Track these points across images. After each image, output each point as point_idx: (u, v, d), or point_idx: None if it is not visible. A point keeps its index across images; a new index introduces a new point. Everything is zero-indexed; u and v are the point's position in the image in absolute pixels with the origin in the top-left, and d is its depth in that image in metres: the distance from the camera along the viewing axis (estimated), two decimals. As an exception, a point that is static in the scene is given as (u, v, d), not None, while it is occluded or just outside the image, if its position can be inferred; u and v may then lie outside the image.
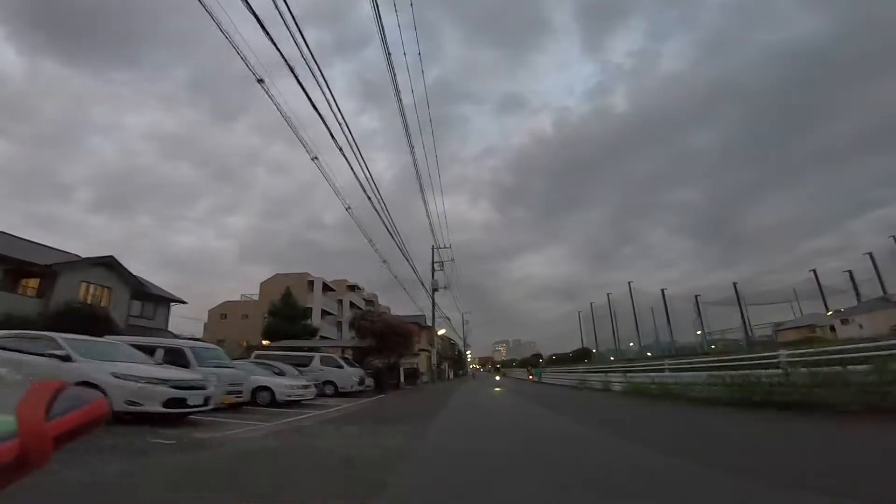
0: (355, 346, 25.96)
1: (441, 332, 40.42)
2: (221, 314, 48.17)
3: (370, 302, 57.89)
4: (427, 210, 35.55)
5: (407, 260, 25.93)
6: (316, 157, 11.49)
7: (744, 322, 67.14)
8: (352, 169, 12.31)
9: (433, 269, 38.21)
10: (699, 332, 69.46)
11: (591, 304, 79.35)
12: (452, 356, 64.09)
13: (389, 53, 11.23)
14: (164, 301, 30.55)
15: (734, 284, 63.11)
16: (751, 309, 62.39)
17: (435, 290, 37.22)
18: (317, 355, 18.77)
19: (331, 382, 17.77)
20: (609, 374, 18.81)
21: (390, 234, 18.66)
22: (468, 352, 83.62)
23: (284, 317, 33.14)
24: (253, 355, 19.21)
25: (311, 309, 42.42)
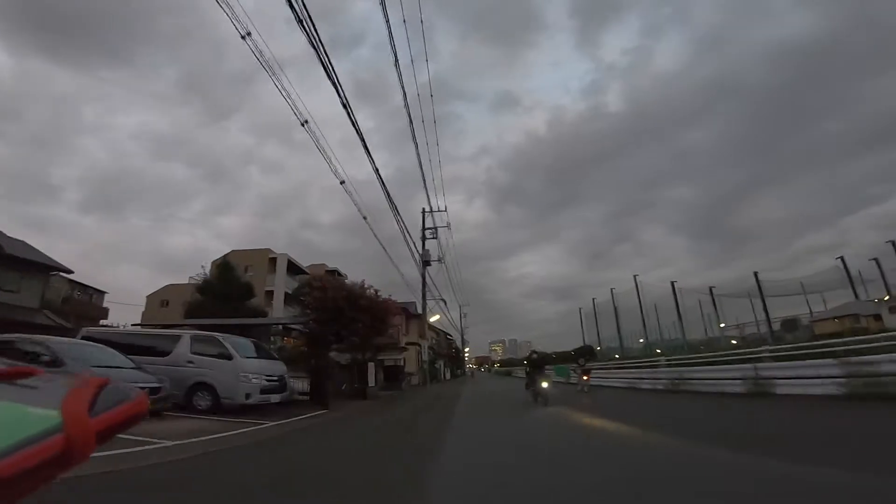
0: (301, 322, 17.06)
1: (434, 318, 31.41)
2: (162, 300, 39.03)
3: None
4: (418, 156, 26.71)
5: (396, 215, 17.10)
6: (306, 122, 9.58)
7: (766, 314, 59.04)
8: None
9: (423, 238, 29.36)
10: (721, 325, 61.84)
11: (593, 299, 74.60)
12: (448, 353, 55.08)
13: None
14: (35, 269, 21.41)
15: (755, 274, 54.62)
16: (755, 303, 55.08)
17: (426, 262, 28.32)
18: (185, 335, 9.80)
19: (205, 388, 8.81)
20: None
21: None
22: (466, 349, 74.44)
23: (218, 294, 24.02)
24: (81, 333, 10.42)
25: (254, 286, 33.49)
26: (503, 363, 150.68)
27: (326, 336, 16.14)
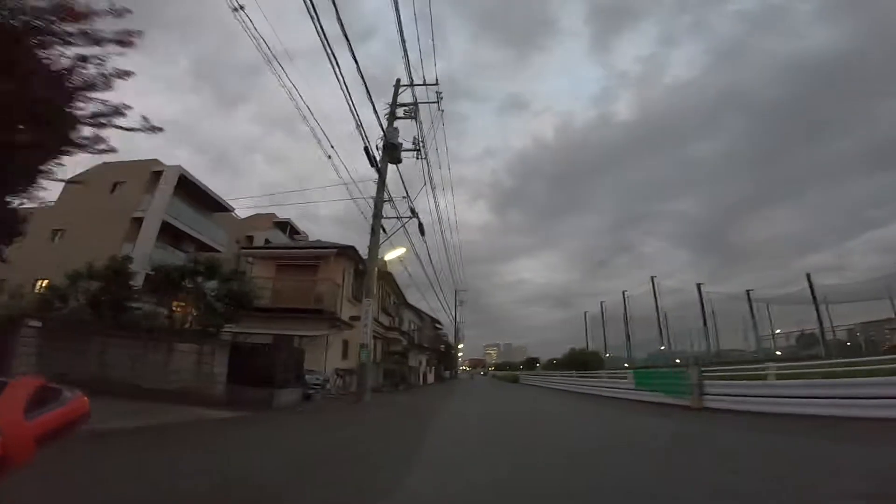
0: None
1: (395, 255, 16.45)
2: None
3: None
4: None
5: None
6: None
7: (819, 322, 44.37)
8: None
9: (392, 114, 15.19)
10: (771, 333, 47.65)
11: (601, 302, 62.31)
12: (436, 347, 40.86)
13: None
14: None
15: (808, 275, 40.04)
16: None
17: (391, 148, 14.14)
18: None
19: None
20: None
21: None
22: (460, 345, 60.23)
23: None
24: None
25: (119, 211, 19.71)
26: (499, 366, 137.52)
27: None
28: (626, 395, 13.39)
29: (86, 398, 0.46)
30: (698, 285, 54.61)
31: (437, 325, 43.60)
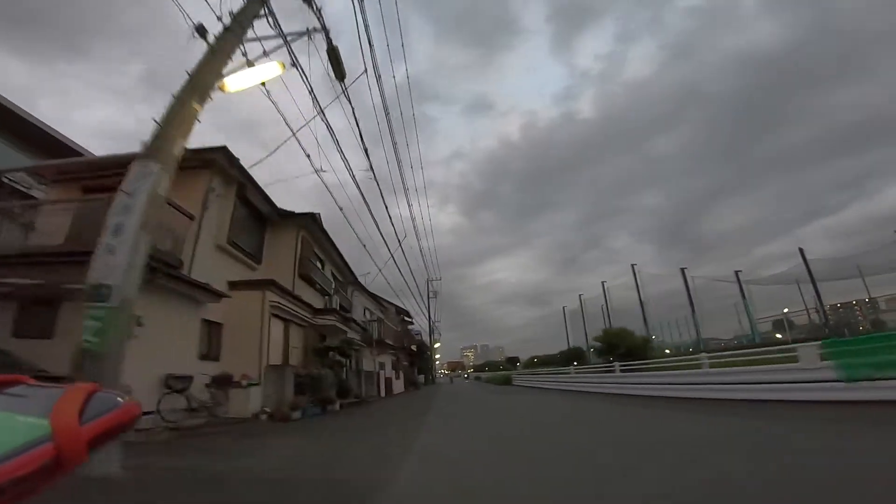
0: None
1: (260, 74, 8.33)
2: None
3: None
4: None
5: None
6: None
7: (820, 303, 40.40)
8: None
9: None
10: (777, 316, 42.93)
11: (579, 296, 58.44)
12: (405, 346, 32.39)
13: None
14: None
15: (800, 250, 35.10)
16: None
17: None
18: None
19: None
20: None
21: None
22: (437, 345, 51.68)
23: None
24: None
25: None
26: (478, 367, 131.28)
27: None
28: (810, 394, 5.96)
29: (138, 402, 0.46)
30: (682, 269, 48.88)
31: (407, 319, 35.28)
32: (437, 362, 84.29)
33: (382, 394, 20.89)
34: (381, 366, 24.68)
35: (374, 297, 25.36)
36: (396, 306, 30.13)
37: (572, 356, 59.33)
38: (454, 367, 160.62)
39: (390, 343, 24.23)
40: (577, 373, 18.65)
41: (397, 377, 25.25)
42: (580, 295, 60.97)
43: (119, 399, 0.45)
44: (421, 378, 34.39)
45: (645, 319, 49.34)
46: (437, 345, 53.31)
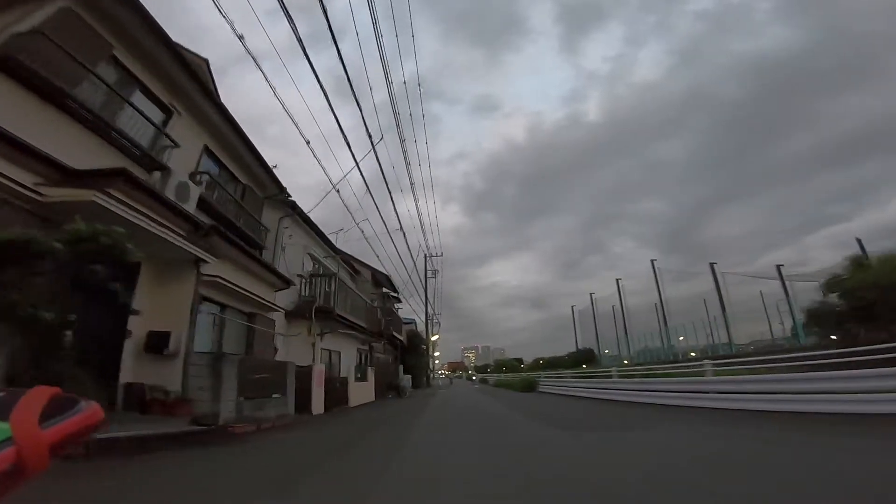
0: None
1: None
2: None
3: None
4: None
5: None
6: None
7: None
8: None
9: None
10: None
11: (591, 294, 53.89)
12: (386, 332, 22.13)
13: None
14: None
15: (858, 240, 26.67)
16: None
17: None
18: None
19: None
20: None
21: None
22: (434, 338, 41.45)
23: None
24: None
25: None
26: (479, 369, 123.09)
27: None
28: None
29: (99, 406, 0.43)
30: (711, 265, 39.14)
31: (393, 294, 25.28)
32: (437, 362, 73.55)
33: (320, 408, 11.13)
34: (336, 357, 14.99)
35: (333, 248, 15.66)
36: (376, 271, 20.33)
37: (582, 358, 51.98)
38: (455, 367, 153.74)
39: (352, 321, 14.41)
40: (620, 377, 13.47)
41: (363, 378, 15.45)
42: (591, 294, 54.36)
43: (80, 403, 0.42)
44: (408, 380, 24.50)
45: (665, 319, 41.62)
46: (435, 337, 43.26)
